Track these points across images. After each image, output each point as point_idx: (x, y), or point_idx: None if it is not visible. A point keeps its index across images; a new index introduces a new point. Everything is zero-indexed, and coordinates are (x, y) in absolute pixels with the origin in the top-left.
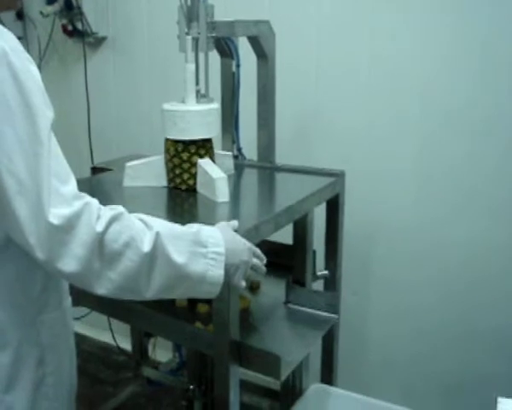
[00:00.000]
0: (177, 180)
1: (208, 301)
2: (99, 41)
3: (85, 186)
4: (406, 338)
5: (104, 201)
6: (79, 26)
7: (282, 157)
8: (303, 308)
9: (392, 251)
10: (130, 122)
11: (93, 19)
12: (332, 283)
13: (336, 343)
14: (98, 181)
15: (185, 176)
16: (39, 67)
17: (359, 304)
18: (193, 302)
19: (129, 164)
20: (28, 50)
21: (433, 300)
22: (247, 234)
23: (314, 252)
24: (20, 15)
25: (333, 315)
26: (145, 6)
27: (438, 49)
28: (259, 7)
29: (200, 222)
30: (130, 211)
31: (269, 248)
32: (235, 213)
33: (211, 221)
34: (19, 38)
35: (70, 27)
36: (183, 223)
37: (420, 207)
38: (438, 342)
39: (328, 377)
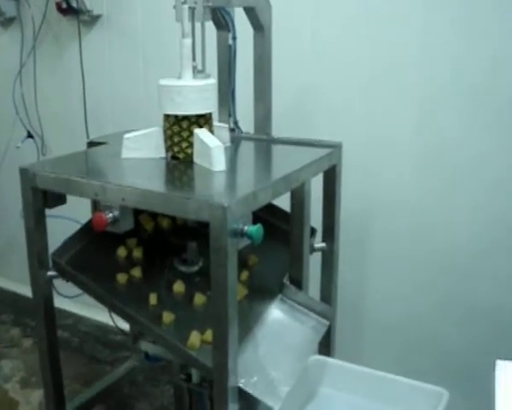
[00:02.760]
0: (175, 149)
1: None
2: (94, 19)
3: (82, 159)
4: (404, 314)
5: (103, 172)
6: (74, 3)
7: (278, 130)
8: (297, 306)
9: (390, 226)
10: (125, 100)
11: None
12: (329, 256)
13: (334, 322)
14: (95, 153)
15: (184, 144)
16: (34, 47)
17: (356, 280)
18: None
19: (127, 135)
20: (22, 30)
21: (431, 275)
22: (244, 201)
23: (313, 229)
24: None
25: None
26: None
27: (440, 18)
28: None
29: (197, 195)
30: (128, 182)
31: (268, 210)
32: (231, 181)
33: (207, 190)
34: (12, 18)
35: (64, 5)
36: (180, 192)
37: (418, 182)
38: (436, 317)
39: (326, 351)
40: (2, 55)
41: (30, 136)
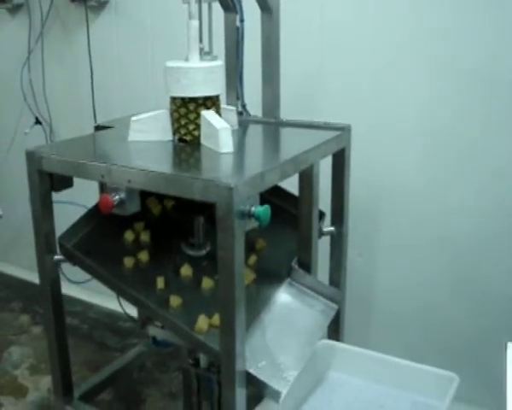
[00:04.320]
0: (182, 131)
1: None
2: (101, 5)
3: (89, 142)
4: (413, 301)
5: (109, 155)
6: None
7: (286, 114)
8: (305, 289)
9: (398, 214)
10: (133, 86)
11: None
12: (338, 240)
13: (343, 306)
14: (102, 137)
15: (191, 126)
16: (41, 33)
17: (365, 265)
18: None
19: (134, 118)
20: (30, 16)
21: (440, 262)
22: (252, 182)
23: (322, 213)
24: None
25: (334, 305)
26: None
27: (445, 6)
28: None
29: (204, 175)
30: (135, 164)
31: (276, 194)
32: (239, 163)
33: (214, 171)
34: (20, 5)
35: None
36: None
37: (425, 169)
38: (445, 304)
39: (334, 335)
40: (11, 41)
41: (38, 122)
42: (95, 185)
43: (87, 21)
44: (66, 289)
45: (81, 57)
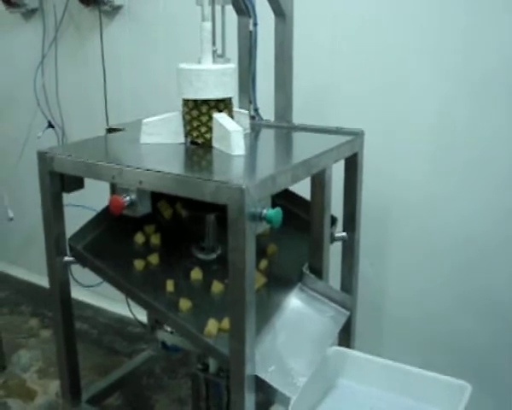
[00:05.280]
0: (194, 133)
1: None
2: (115, 9)
3: (100, 144)
4: (423, 309)
5: (120, 156)
6: None
7: (297, 120)
8: (316, 295)
9: (408, 221)
10: (146, 90)
11: None
12: (350, 245)
13: (354, 313)
14: (113, 139)
15: (203, 129)
16: (55, 37)
17: (376, 274)
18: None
19: (146, 120)
20: (44, 21)
21: (449, 270)
22: (263, 184)
23: (334, 218)
24: None
25: (345, 311)
26: None
27: (456, 17)
28: None
29: (215, 177)
30: (146, 166)
31: (288, 198)
32: (251, 165)
33: (226, 173)
34: (34, 10)
35: None
36: (198, 174)
37: (436, 177)
38: (455, 312)
39: (345, 342)
40: (25, 46)
41: (51, 126)
42: (105, 189)
43: (100, 26)
44: (77, 293)
45: (94, 62)
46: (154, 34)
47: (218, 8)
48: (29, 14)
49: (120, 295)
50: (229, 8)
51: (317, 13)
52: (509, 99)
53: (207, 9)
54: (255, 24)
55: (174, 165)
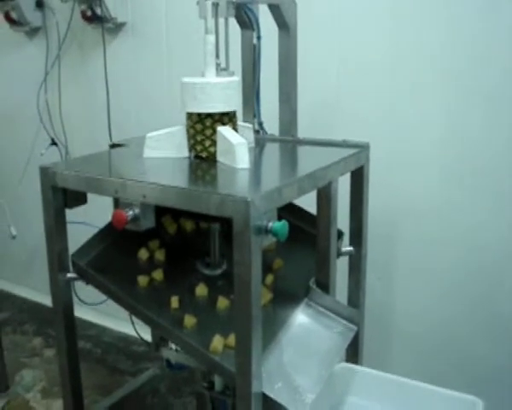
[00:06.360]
0: (198, 147)
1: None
2: (118, 27)
3: (103, 159)
4: (431, 322)
5: (124, 171)
6: (98, 11)
7: (302, 135)
8: (323, 310)
9: (415, 235)
10: (149, 108)
11: (112, 4)
12: (357, 260)
13: (362, 328)
14: (117, 154)
15: (207, 143)
16: (58, 55)
17: (384, 289)
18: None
19: (149, 134)
20: (47, 38)
21: (457, 282)
22: (269, 196)
23: (340, 232)
24: (40, 4)
25: (353, 326)
26: None
27: (463, 38)
28: None
29: (220, 190)
30: (150, 179)
31: (294, 213)
32: (256, 178)
33: (230, 186)
34: (38, 28)
35: (89, 13)
36: (202, 188)
37: (442, 191)
38: (464, 326)
39: (353, 358)
40: (28, 64)
41: (54, 143)
42: (108, 206)
43: (104, 43)
44: (80, 312)
45: (97, 79)
46: (158, 51)
47: (221, 20)
48: (32, 32)
49: (124, 314)
50: (233, 21)
51: (323, 26)
52: None
53: (211, 22)
54: (259, 37)
55: (178, 178)
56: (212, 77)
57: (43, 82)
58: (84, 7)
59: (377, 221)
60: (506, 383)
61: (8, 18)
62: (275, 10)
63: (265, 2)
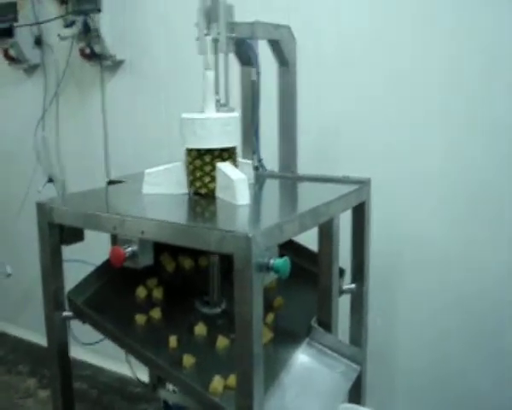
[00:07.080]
0: (198, 183)
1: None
2: (117, 64)
3: (101, 195)
4: (434, 361)
5: (122, 207)
6: (97, 49)
7: (302, 170)
8: (325, 350)
9: (419, 273)
10: (147, 145)
11: (110, 42)
12: (359, 298)
13: (365, 367)
14: (115, 190)
15: (206, 179)
16: (56, 93)
17: (385, 327)
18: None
19: (148, 170)
20: (45, 76)
21: (461, 321)
22: (270, 232)
23: (341, 270)
24: (39, 42)
25: (356, 366)
26: (163, 29)
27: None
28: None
29: (220, 226)
30: (148, 216)
31: (295, 251)
32: (256, 214)
33: (231, 222)
34: (36, 66)
35: (87, 51)
36: (202, 224)
37: (446, 230)
38: (467, 364)
39: (356, 398)
40: (26, 101)
41: (51, 180)
42: (106, 244)
43: (102, 81)
44: (76, 352)
45: (95, 116)
46: (156, 89)
47: (220, 56)
48: (31, 69)
49: (120, 354)
50: (232, 56)
51: (322, 60)
52: None
53: (210, 58)
54: (258, 73)
55: (177, 215)
56: (211, 112)
57: (41, 119)
58: (82, 44)
59: (379, 256)
60: None
61: (6, 55)
62: (274, 46)
63: (265, 37)
